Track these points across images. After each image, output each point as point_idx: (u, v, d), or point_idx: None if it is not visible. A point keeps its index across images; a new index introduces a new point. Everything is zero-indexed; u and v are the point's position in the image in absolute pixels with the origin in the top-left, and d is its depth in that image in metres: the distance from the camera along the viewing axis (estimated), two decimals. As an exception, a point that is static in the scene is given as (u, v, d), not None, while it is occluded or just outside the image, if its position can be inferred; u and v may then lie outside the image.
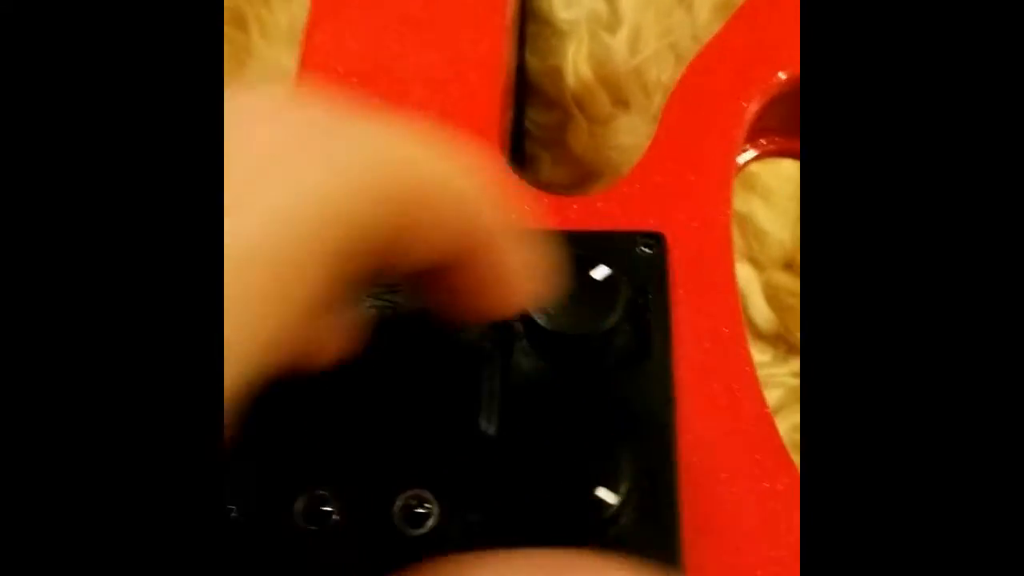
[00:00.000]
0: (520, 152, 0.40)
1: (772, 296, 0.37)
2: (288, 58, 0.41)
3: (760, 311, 0.37)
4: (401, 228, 0.16)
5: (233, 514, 0.23)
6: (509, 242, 0.18)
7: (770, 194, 0.37)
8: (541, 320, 0.24)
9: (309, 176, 0.15)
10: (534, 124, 0.40)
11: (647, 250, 0.26)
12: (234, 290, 0.13)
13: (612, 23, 0.40)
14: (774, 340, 0.38)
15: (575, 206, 0.28)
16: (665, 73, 0.39)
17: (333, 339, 0.19)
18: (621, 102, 0.39)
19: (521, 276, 0.19)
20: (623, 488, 0.22)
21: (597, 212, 0.28)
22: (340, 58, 0.31)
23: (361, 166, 0.15)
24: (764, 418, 0.24)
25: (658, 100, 0.38)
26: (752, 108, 0.29)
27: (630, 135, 0.39)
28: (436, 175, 0.17)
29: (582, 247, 0.26)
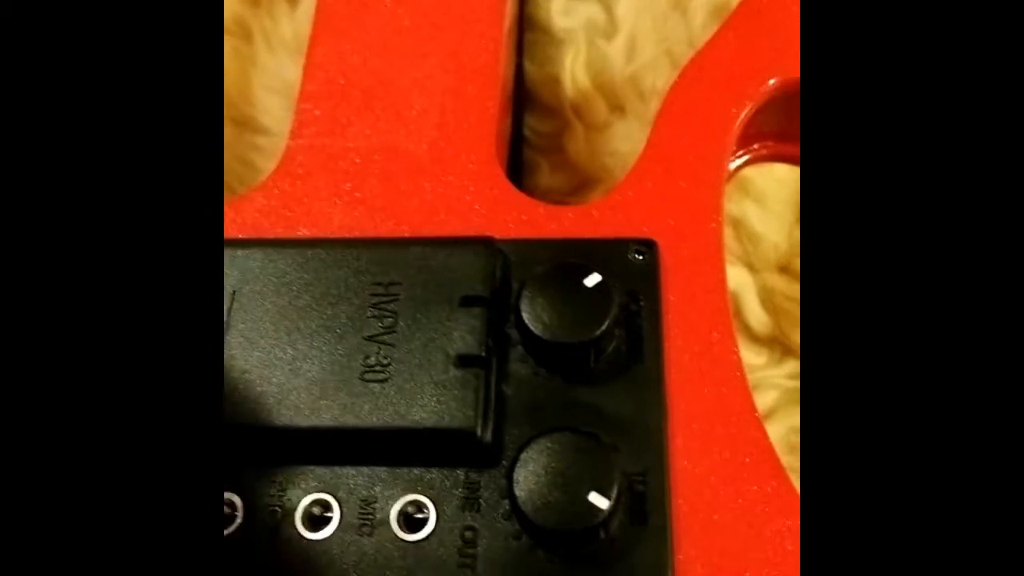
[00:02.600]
0: (519, 159, 0.40)
1: (767, 299, 0.38)
2: (292, 69, 0.41)
3: (755, 313, 0.38)
4: None
5: (237, 519, 0.23)
6: None
7: (764, 198, 0.38)
8: (535, 327, 0.25)
9: None
10: (532, 131, 0.40)
11: (639, 257, 0.27)
12: None
13: (609, 30, 0.40)
14: (769, 342, 0.38)
15: (570, 215, 0.28)
16: (661, 79, 0.39)
17: None
18: (618, 108, 0.40)
19: None
20: (614, 493, 0.22)
21: (591, 220, 0.28)
22: (342, 68, 0.32)
23: None
24: (753, 422, 0.24)
25: (654, 106, 0.38)
26: (743, 114, 0.29)
27: (626, 141, 0.39)
28: None
29: (575, 255, 0.26)
